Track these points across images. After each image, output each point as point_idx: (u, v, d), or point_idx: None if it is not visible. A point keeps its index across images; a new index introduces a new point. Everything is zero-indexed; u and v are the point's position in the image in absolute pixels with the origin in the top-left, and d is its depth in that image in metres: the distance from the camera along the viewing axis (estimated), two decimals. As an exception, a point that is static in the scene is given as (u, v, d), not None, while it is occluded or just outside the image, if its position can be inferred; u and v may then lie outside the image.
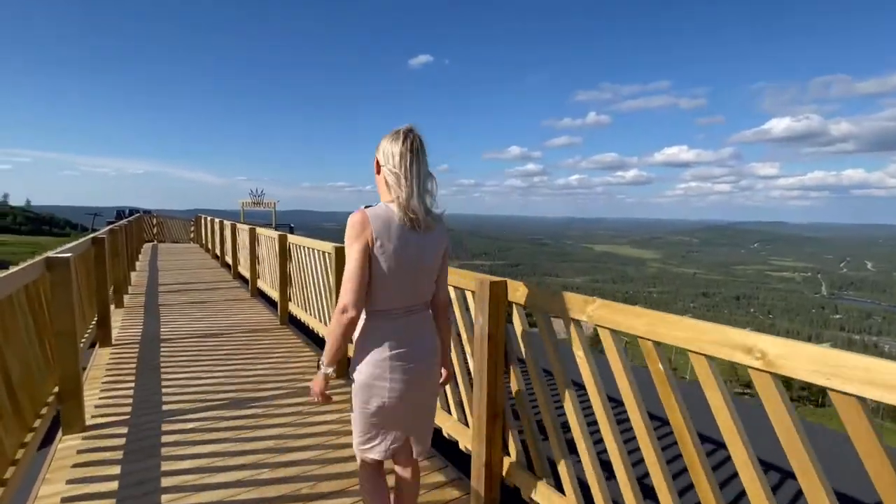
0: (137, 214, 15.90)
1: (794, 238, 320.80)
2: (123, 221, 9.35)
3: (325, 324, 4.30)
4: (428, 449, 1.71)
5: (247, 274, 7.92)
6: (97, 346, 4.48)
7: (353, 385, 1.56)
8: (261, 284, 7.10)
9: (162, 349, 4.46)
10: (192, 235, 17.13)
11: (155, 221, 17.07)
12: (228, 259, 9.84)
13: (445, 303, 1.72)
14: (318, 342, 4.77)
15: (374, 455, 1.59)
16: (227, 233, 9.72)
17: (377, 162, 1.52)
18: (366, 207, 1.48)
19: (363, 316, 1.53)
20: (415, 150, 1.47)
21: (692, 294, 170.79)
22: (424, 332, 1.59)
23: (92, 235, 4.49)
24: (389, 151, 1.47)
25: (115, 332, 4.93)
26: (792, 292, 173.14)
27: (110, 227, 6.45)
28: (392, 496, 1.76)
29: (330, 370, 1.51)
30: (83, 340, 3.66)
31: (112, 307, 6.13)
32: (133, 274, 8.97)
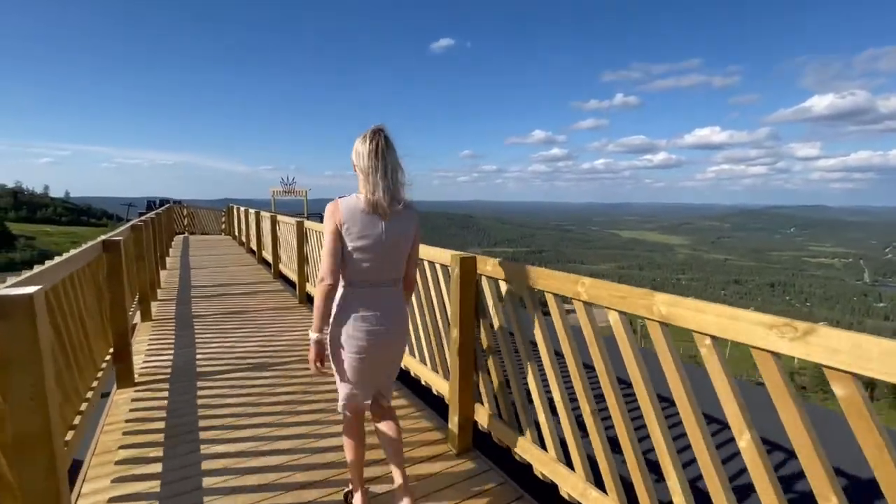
0: (168, 205, 15.01)
1: (834, 222, 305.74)
2: (151, 214, 8.28)
3: (434, 369, 3.03)
4: (389, 398, 2.00)
5: (292, 275, 6.73)
6: (115, 388, 3.32)
7: (328, 341, 1.81)
8: (311, 289, 5.89)
9: (199, 393, 3.25)
10: (223, 227, 16.20)
11: (185, 212, 16.18)
12: (267, 255, 8.70)
13: (411, 279, 1.96)
14: (410, 383, 3.49)
15: (351, 410, 1.91)
16: (265, 225, 8.55)
17: (352, 161, 1.76)
18: (339, 198, 1.74)
19: (341, 285, 1.79)
20: (380, 149, 1.69)
21: (723, 281, 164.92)
22: (390, 303, 1.83)
23: (102, 238, 3.30)
24: (359, 152, 1.71)
25: (138, 363, 3.77)
26: (831, 279, 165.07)
27: (132, 223, 5.30)
28: (383, 450, 2.02)
29: (316, 336, 1.77)
30: (85, 404, 2.45)
31: (138, 320, 5.01)
32: (163, 273, 7.92)
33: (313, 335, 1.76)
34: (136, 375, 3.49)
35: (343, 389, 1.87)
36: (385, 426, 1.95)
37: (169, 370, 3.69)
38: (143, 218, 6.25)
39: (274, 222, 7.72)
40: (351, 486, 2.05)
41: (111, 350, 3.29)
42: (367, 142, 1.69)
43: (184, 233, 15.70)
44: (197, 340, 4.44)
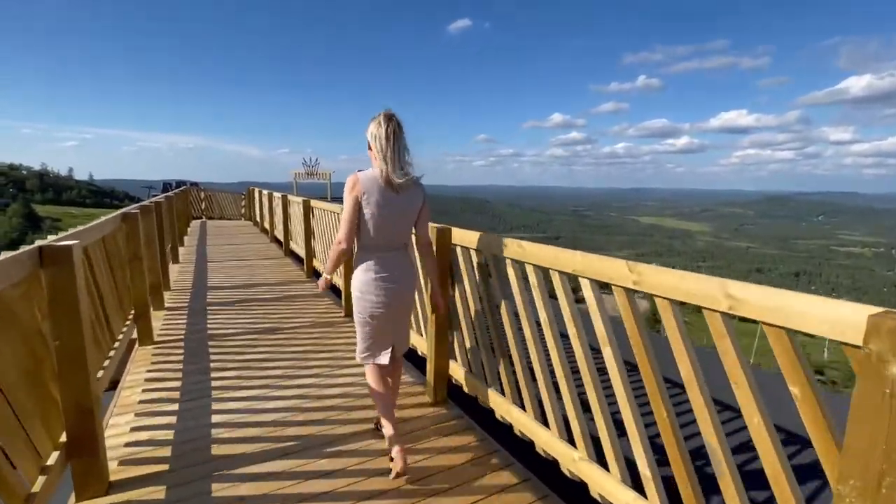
0: (183, 187, 13.73)
1: (865, 210, 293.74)
2: (160, 197, 6.89)
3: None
4: (404, 350, 2.35)
5: (335, 279, 5.31)
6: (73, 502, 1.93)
7: (353, 298, 2.14)
8: None
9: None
10: (242, 211, 14.87)
11: (203, 195, 14.85)
12: (296, 248, 7.30)
13: (427, 241, 2.27)
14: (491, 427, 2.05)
15: (370, 361, 2.19)
16: (296, 212, 7.12)
17: (368, 142, 2.03)
18: (358, 171, 2.01)
19: (358, 249, 2.11)
20: (393, 132, 1.96)
21: (745, 270, 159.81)
22: (401, 264, 2.12)
23: (42, 243, 1.86)
24: (375, 134, 1.97)
25: (119, 437, 2.39)
26: (861, 269, 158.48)
27: (122, 211, 3.83)
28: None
29: (329, 276, 2.28)
30: None
31: (134, 350, 3.65)
32: (175, 269, 6.57)
33: (326, 276, 2.26)
34: (112, 465, 2.09)
35: (364, 344, 2.20)
36: (393, 371, 2.36)
37: (167, 453, 2.27)
38: (143, 203, 4.83)
39: (307, 210, 6.26)
40: (381, 421, 2.23)
41: (63, 439, 1.88)
42: (383, 125, 1.96)
43: (201, 217, 14.42)
44: (214, 384, 3.03)
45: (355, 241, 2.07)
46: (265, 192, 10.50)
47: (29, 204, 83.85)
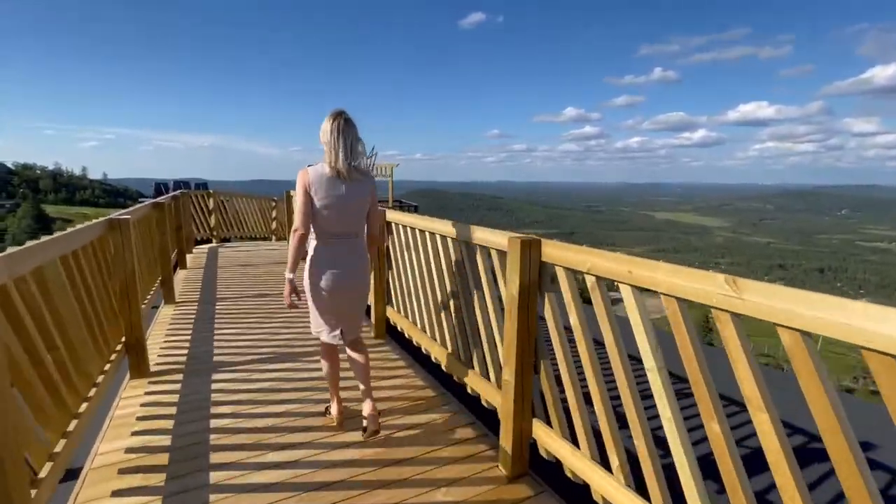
0: (180, 191, 8.47)
1: (891, 203, 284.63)
2: (124, 212, 3.07)
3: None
4: (357, 336, 2.46)
5: (492, 394, 2.34)
6: None
7: (304, 277, 2.32)
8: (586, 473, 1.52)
9: None
10: (274, 226, 10.25)
11: (212, 203, 9.50)
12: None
13: (375, 234, 2.46)
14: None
15: (324, 338, 2.39)
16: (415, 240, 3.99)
17: (320, 137, 2.22)
18: (308, 166, 2.19)
19: (314, 237, 2.26)
20: (341, 127, 2.16)
21: (766, 266, 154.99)
22: (351, 252, 2.30)
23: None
24: (324, 129, 2.18)
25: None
26: (888, 265, 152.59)
27: None
28: (355, 374, 2.49)
29: (290, 275, 2.21)
30: None
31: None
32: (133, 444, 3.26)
33: (288, 275, 2.21)
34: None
35: (315, 320, 2.38)
36: (355, 355, 2.45)
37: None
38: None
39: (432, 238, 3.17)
40: (329, 400, 2.55)
41: None
42: (331, 121, 2.17)
43: (210, 240, 9.50)
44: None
45: (312, 230, 2.22)
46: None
47: (39, 205, 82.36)
